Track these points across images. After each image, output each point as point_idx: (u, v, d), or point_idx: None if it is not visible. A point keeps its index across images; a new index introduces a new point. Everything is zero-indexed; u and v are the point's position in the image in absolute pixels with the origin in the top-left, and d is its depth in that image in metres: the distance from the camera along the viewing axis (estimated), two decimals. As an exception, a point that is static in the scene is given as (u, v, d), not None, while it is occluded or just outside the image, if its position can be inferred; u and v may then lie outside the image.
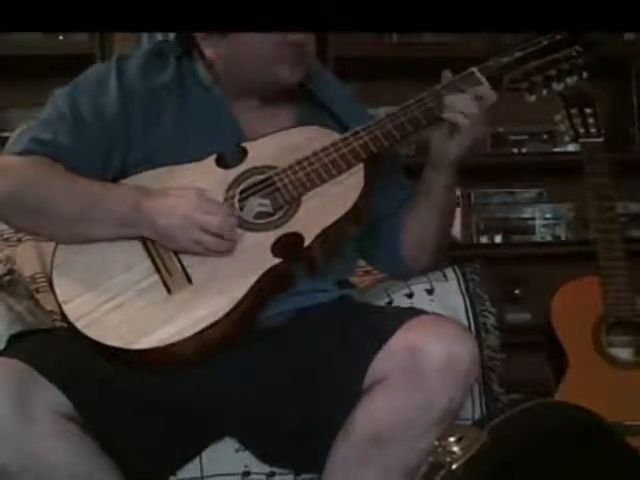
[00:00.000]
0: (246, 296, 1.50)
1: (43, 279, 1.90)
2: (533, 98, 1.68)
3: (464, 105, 1.59)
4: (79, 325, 1.49)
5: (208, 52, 1.64)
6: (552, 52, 1.67)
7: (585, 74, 1.70)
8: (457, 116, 1.59)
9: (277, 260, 1.52)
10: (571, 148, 3.08)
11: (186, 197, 1.53)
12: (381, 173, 1.67)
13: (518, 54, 1.66)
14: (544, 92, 1.69)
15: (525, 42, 1.67)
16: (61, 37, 2.82)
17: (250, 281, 1.51)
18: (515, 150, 3.17)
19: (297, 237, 1.54)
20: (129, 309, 1.50)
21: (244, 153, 1.62)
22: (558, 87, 1.69)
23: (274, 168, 1.59)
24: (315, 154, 1.59)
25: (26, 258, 1.93)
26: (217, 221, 1.51)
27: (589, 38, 1.67)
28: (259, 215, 1.57)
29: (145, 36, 2.72)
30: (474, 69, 1.64)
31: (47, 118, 1.64)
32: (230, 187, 1.59)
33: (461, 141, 1.61)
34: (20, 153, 1.60)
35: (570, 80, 1.69)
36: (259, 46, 1.60)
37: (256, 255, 1.53)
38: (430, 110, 1.62)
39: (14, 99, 2.87)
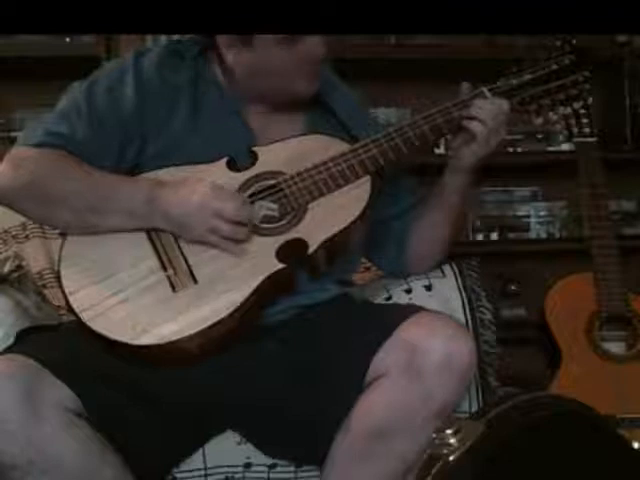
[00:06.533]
0: (249, 298, 1.52)
1: (51, 275, 1.92)
2: (540, 120, 1.71)
3: (482, 113, 1.62)
4: (84, 317, 1.50)
5: (229, 58, 1.64)
6: (561, 77, 1.69)
7: (591, 99, 1.73)
8: (473, 123, 1.62)
9: (281, 265, 1.55)
10: (565, 147, 3.11)
11: (200, 187, 1.54)
12: (387, 177, 1.69)
13: (527, 77, 1.68)
14: (550, 115, 1.72)
15: (534, 63, 1.69)
16: (68, 39, 2.81)
17: (254, 283, 1.53)
18: (510, 149, 3.19)
19: (301, 243, 1.56)
20: (134, 305, 1.51)
21: (255, 157, 1.64)
22: (565, 111, 1.72)
23: (283, 174, 1.61)
24: (324, 163, 1.60)
25: (34, 255, 1.95)
26: (232, 207, 1.52)
27: (594, 61, 1.70)
28: (266, 219, 1.58)
29: (150, 38, 2.74)
30: (484, 89, 1.66)
31: (63, 111, 1.64)
32: (239, 190, 1.60)
33: (476, 149, 1.64)
34: (36, 145, 1.60)
35: (577, 105, 1.72)
36: (283, 60, 1.60)
37: (261, 258, 1.55)
38: (438, 126, 1.64)
39: (21, 100, 2.85)
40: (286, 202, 1.60)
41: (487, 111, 1.62)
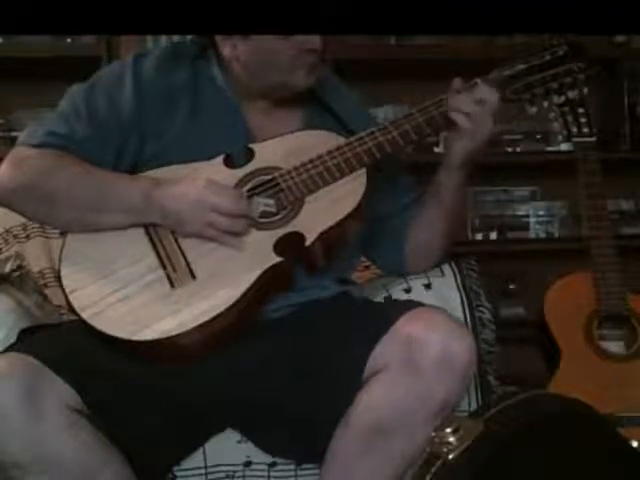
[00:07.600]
0: (247, 292, 1.52)
1: (51, 274, 1.92)
2: (534, 109, 1.71)
3: (464, 105, 1.61)
4: (85, 315, 1.51)
5: (226, 52, 1.65)
6: (555, 66, 1.69)
7: (586, 89, 1.73)
8: (458, 116, 1.62)
9: (279, 258, 1.55)
10: (564, 147, 3.12)
11: (196, 183, 1.55)
12: (384, 174, 1.70)
13: (521, 66, 1.68)
14: (545, 104, 1.72)
15: (528, 55, 1.69)
16: (69, 40, 2.83)
17: (252, 277, 1.53)
18: (509, 149, 3.20)
19: (299, 237, 1.57)
20: (134, 302, 1.52)
21: (251, 154, 1.64)
22: (559, 100, 1.72)
23: (279, 169, 1.62)
24: (320, 157, 1.61)
25: (35, 254, 1.95)
26: (228, 201, 1.53)
27: (590, 53, 1.70)
28: (263, 214, 1.59)
29: (150, 39, 2.75)
30: (478, 80, 1.66)
31: (63, 113, 1.65)
32: (236, 186, 1.61)
33: (465, 143, 1.63)
34: (37, 146, 1.61)
35: (571, 93, 1.72)
36: (279, 52, 1.61)
37: (259, 252, 1.56)
38: (434, 118, 1.64)
39: (22, 100, 2.87)
40: (283, 196, 1.60)
41: (468, 102, 1.62)
